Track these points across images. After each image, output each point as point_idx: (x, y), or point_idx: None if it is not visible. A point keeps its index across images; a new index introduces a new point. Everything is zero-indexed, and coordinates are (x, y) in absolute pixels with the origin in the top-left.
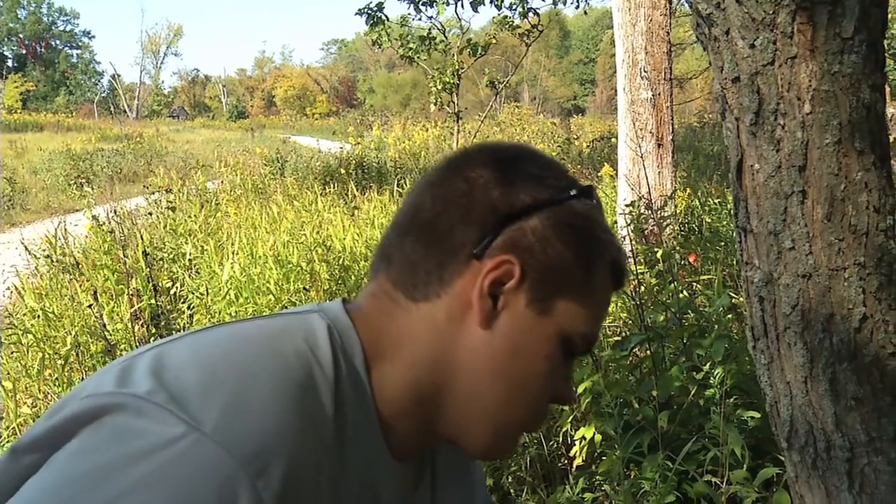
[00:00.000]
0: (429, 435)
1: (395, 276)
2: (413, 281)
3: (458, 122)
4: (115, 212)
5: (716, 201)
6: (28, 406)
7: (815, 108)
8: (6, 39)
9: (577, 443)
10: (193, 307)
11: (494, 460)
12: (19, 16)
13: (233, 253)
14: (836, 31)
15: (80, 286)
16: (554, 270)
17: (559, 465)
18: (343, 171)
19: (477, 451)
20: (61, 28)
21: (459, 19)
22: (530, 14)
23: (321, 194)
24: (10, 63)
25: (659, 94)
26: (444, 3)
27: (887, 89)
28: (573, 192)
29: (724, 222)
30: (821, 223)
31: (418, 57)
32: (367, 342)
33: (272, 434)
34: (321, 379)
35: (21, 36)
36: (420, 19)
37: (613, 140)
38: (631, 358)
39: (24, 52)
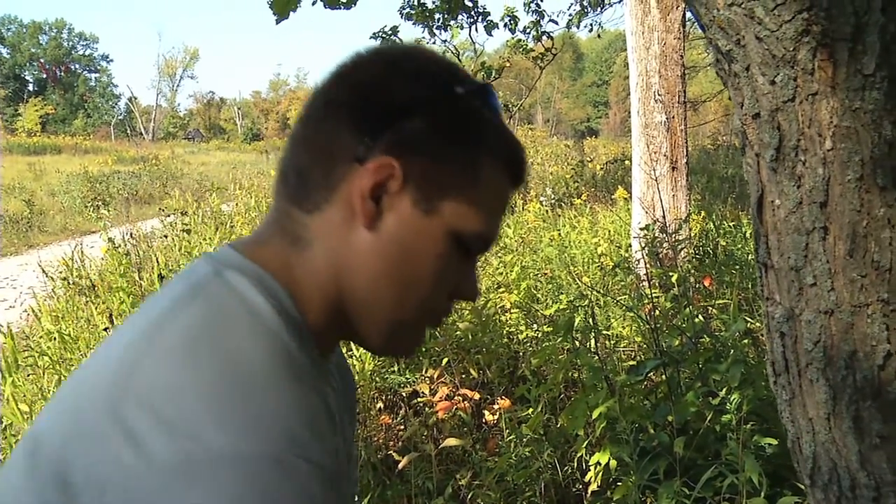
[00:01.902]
0: (342, 335)
1: (291, 190)
2: (304, 191)
3: None
4: (130, 234)
5: (730, 224)
6: None
7: (836, 144)
8: (28, 64)
9: (592, 468)
10: None
11: (396, 357)
12: (41, 41)
13: None
14: (857, 67)
15: (96, 308)
16: (437, 170)
17: (574, 490)
18: None
19: (377, 348)
20: (81, 52)
21: (473, 42)
22: (544, 37)
23: None
24: (30, 87)
25: (673, 117)
26: (458, 26)
27: None
28: (458, 90)
29: (739, 245)
30: (843, 259)
31: None
32: (284, 283)
33: (291, 416)
34: (288, 342)
35: (42, 60)
36: (434, 42)
37: (627, 162)
38: (646, 383)
39: (44, 76)
